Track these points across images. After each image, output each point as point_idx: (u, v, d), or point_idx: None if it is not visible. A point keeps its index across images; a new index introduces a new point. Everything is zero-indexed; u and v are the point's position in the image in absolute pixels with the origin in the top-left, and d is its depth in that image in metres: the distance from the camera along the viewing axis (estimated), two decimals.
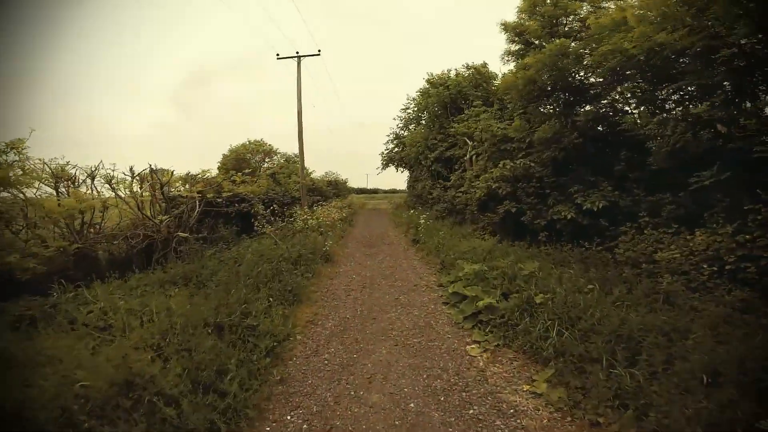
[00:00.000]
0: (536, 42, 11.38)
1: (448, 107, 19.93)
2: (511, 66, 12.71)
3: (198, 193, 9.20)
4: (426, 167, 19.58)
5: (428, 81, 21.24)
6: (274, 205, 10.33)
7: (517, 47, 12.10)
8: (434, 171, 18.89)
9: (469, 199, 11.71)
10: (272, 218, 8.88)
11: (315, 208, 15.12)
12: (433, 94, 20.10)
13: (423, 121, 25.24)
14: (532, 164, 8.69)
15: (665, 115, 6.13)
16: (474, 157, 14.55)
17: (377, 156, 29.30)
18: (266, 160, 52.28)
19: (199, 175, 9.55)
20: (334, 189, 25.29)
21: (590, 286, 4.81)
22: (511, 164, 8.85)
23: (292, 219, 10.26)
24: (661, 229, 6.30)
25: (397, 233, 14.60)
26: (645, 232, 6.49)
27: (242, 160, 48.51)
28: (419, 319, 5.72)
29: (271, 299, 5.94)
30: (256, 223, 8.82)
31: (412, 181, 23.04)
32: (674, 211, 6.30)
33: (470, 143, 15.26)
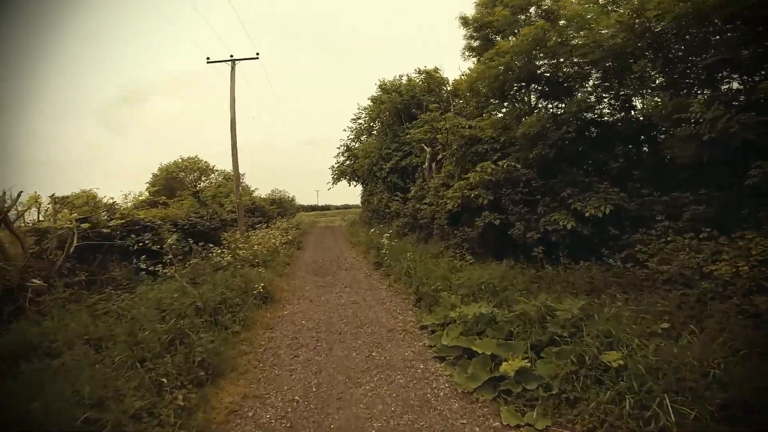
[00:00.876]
0: (497, 38, 10.42)
1: (401, 114, 18.74)
2: (471, 64, 11.71)
3: (77, 221, 6.46)
4: (381, 179, 17.97)
5: (380, 87, 19.90)
6: (172, 236, 7.59)
7: (477, 43, 11.10)
8: (390, 182, 17.32)
9: (436, 211, 10.12)
10: (171, 255, 6.25)
11: (250, 233, 12.54)
12: (385, 100, 18.75)
13: (375, 131, 23.89)
14: (517, 165, 7.30)
15: (706, 94, 4.97)
16: (433, 164, 13.21)
17: (328, 172, 27.21)
18: (203, 179, 47.62)
19: (80, 198, 6.77)
20: (279, 208, 22.60)
21: (664, 325, 3.23)
22: (492, 167, 7.38)
23: (218, 250, 7.72)
24: (686, 235, 5.10)
25: (356, 255, 12.54)
26: (669, 238, 5.27)
27: (174, 180, 43.47)
28: (408, 390, 3.74)
29: (165, 381, 3.62)
30: (140, 264, 6.04)
31: (367, 195, 21.24)
32: (705, 211, 5.14)
33: (428, 149, 13.97)
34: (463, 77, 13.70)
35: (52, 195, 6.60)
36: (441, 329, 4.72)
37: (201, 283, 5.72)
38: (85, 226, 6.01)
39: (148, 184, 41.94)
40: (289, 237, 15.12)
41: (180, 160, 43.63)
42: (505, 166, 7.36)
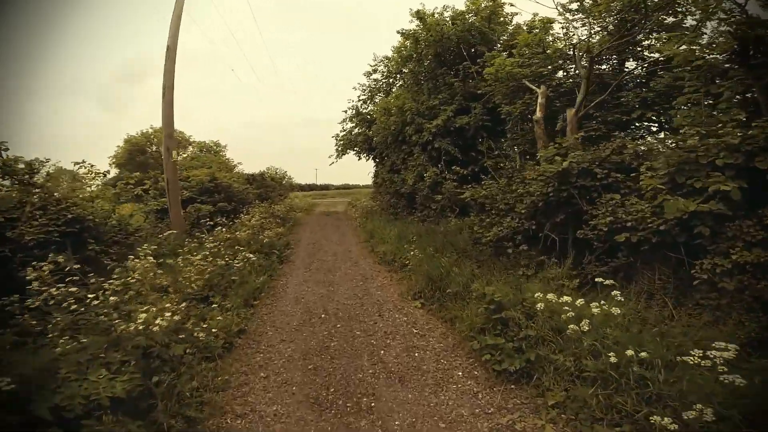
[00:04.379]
0: None
1: (452, 54, 11.83)
2: None
3: None
4: (420, 145, 11.13)
5: (417, 15, 12.53)
6: None
7: None
8: (438, 151, 10.52)
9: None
10: None
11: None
12: (431, 31, 11.55)
13: (400, 83, 16.85)
14: None
15: None
16: (570, 116, 6.60)
17: (328, 149, 20.24)
18: (180, 153, 40.23)
19: None
20: (260, 187, 15.68)
21: None
22: None
23: None
24: None
25: (406, 301, 5.76)
26: None
27: (141, 152, 35.90)
28: None
29: None
30: None
31: (387, 172, 14.36)
32: None
33: (540, 90, 7.35)
34: None
35: None
36: None
37: None
38: None
39: (111, 159, 34.88)
40: (261, 242, 8.33)
41: (150, 131, 36.46)
42: None
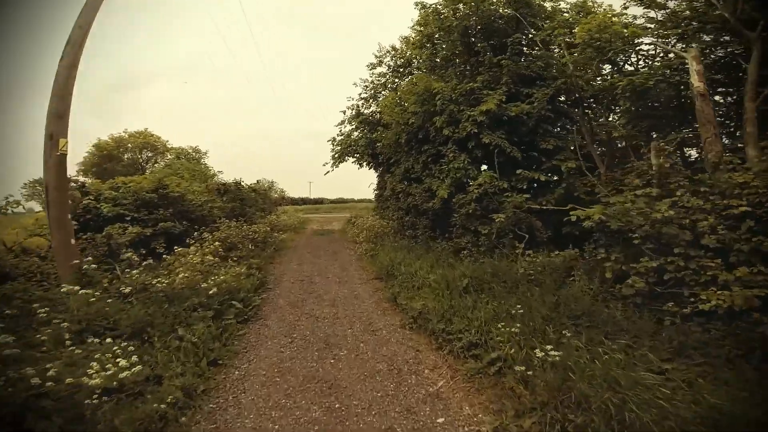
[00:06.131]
0: None
1: (487, 30, 8.87)
2: None
3: None
4: (456, 142, 7.94)
5: None
6: None
7: None
8: (486, 149, 7.35)
9: None
10: None
11: None
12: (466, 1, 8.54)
13: (409, 78, 13.80)
14: None
15: None
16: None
17: (324, 158, 17.08)
18: (158, 160, 36.71)
19: None
20: (234, 200, 12.16)
21: None
22: None
23: None
24: None
25: None
26: None
27: (111, 159, 32.37)
28: None
29: None
30: None
31: (399, 182, 11.00)
32: None
33: (691, 53, 4.26)
34: None
35: None
36: None
37: None
38: None
39: (79, 166, 31.02)
40: (198, 302, 5.00)
41: (124, 135, 33.03)
42: None
